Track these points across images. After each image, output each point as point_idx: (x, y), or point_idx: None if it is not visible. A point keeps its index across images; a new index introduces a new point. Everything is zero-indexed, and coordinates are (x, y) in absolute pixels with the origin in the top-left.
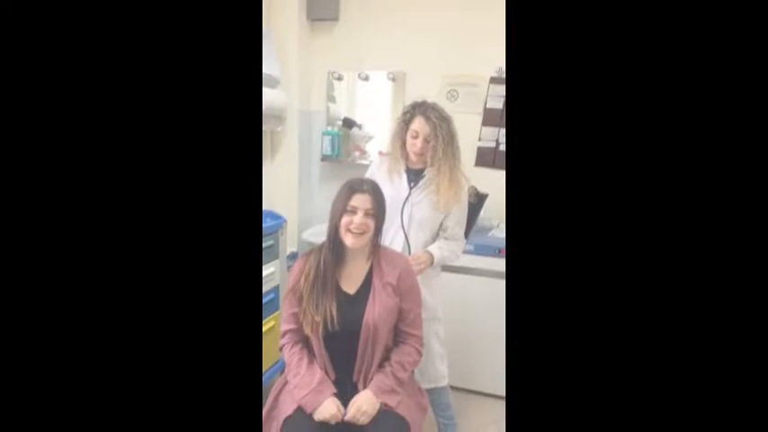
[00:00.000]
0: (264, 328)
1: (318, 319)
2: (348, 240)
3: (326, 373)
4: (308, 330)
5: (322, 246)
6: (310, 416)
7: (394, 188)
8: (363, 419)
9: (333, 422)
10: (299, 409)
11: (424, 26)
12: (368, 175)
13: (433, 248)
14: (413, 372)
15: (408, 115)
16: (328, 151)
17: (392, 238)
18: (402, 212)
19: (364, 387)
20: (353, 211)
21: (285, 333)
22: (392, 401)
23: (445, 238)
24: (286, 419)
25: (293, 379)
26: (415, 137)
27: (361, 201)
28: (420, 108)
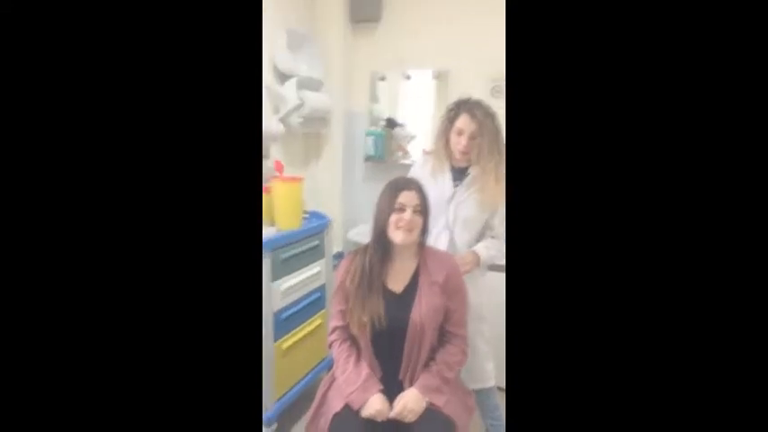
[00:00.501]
0: (311, 327)
1: (365, 319)
2: (398, 237)
3: (373, 370)
4: (354, 330)
5: (368, 245)
6: (357, 413)
7: (438, 187)
8: (410, 417)
9: (379, 418)
10: (347, 406)
11: (466, 24)
12: (411, 174)
13: (480, 248)
14: (459, 372)
15: (453, 113)
16: (372, 152)
17: (436, 238)
18: (448, 211)
19: (410, 386)
20: (402, 209)
21: (334, 330)
22: (438, 401)
23: (492, 237)
24: (334, 416)
25: (341, 376)
26: (460, 134)
27: (408, 198)
28: (465, 105)
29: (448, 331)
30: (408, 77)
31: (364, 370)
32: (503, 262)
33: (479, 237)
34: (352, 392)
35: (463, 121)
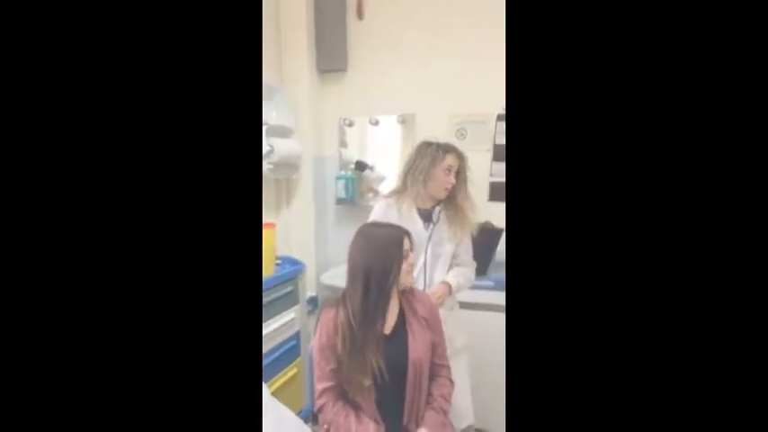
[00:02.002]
0: (286, 377)
1: (369, 382)
2: (410, 280)
3: (377, 423)
4: (356, 396)
5: (348, 295)
6: None
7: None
8: None
9: None
10: None
11: (430, 69)
12: (373, 218)
13: (449, 278)
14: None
15: (441, 152)
16: (343, 194)
17: (416, 279)
18: (427, 251)
19: (416, 428)
20: (406, 255)
21: (323, 392)
22: None
23: (457, 265)
24: None
25: None
26: (449, 172)
27: (407, 243)
28: (444, 146)
29: (435, 364)
30: (376, 123)
31: (371, 425)
32: (468, 286)
33: (449, 269)
34: None
35: (452, 159)
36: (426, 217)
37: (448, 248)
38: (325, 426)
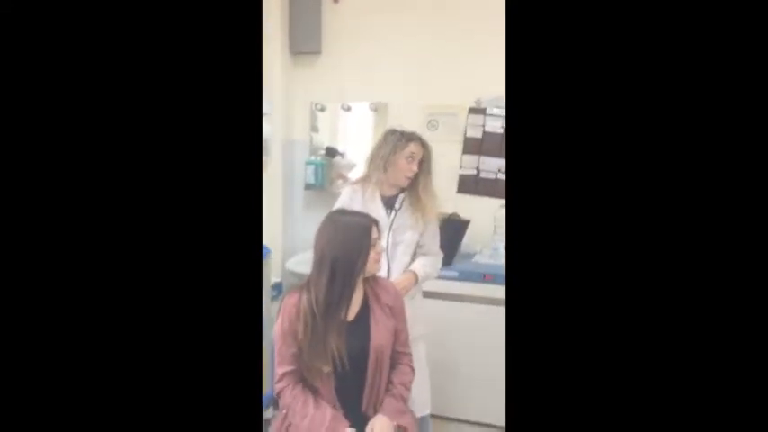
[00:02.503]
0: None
1: (328, 368)
2: (376, 268)
3: (335, 408)
4: (315, 382)
5: (312, 281)
6: None
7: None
8: None
9: None
10: None
11: (405, 58)
12: (339, 205)
13: (416, 267)
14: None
15: (403, 140)
16: (312, 180)
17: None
18: (388, 238)
19: (374, 414)
20: (374, 243)
21: (283, 376)
22: (405, 421)
23: (423, 254)
24: None
25: (302, 421)
26: (412, 160)
27: (375, 231)
28: (408, 134)
29: (397, 351)
30: (348, 109)
31: (327, 410)
32: (435, 276)
33: (413, 257)
34: None
35: (415, 147)
36: (389, 204)
37: (409, 236)
38: (284, 410)
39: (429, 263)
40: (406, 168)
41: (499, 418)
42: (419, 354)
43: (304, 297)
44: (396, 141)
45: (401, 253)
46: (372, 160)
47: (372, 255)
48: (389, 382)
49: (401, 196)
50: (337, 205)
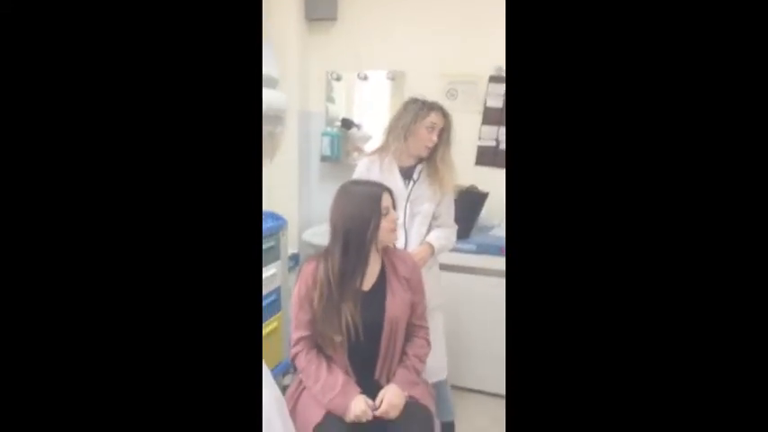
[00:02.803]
0: (266, 330)
1: (339, 338)
2: (393, 237)
3: (348, 375)
4: (328, 349)
5: (330, 250)
6: (339, 419)
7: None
8: (394, 413)
9: (364, 419)
10: (328, 415)
11: (423, 25)
12: (356, 176)
13: (431, 239)
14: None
15: (425, 109)
16: (327, 152)
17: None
18: (405, 209)
19: (387, 383)
20: (387, 212)
21: (299, 341)
22: (416, 392)
23: (438, 227)
24: (315, 427)
25: (315, 385)
26: (432, 130)
27: (388, 200)
28: (429, 104)
29: (413, 324)
30: (365, 78)
31: (340, 375)
32: (450, 248)
33: (429, 229)
34: (332, 399)
35: (436, 117)
36: (407, 175)
37: (426, 207)
38: (299, 374)
39: (444, 235)
40: (426, 138)
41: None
42: (436, 322)
43: (321, 266)
44: (417, 110)
45: (418, 224)
46: (392, 129)
47: (385, 224)
48: (404, 353)
49: (419, 167)
50: (355, 176)
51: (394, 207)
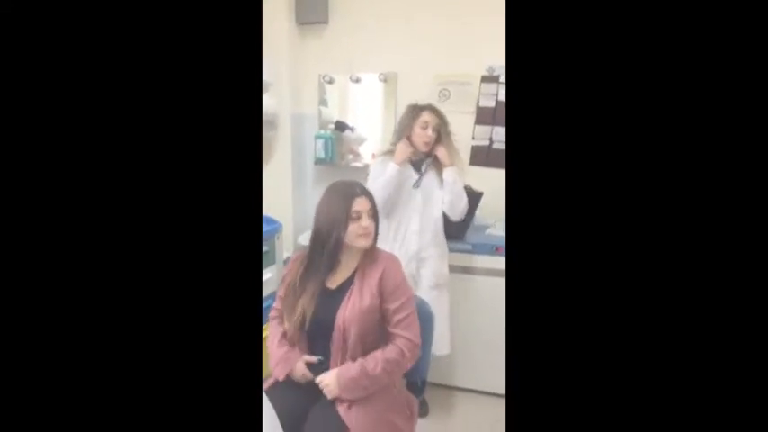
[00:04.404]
0: (265, 334)
1: (290, 327)
2: (362, 243)
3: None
4: (289, 332)
5: (313, 251)
6: (286, 384)
7: (404, 178)
8: (326, 390)
9: (304, 381)
10: (276, 381)
11: (414, 27)
12: (373, 175)
13: (444, 206)
14: (395, 374)
15: (416, 110)
16: (321, 154)
17: (409, 218)
18: (416, 195)
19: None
20: (358, 217)
21: (273, 310)
22: (350, 393)
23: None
24: (266, 390)
25: (270, 351)
26: (425, 127)
27: (362, 204)
28: (420, 105)
29: (390, 333)
30: (357, 80)
31: (284, 346)
32: (461, 206)
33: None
34: (276, 365)
35: (428, 116)
36: (417, 167)
37: (436, 194)
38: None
39: (448, 199)
40: (422, 134)
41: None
42: (442, 298)
43: (303, 258)
44: (412, 112)
45: (429, 207)
46: (397, 132)
47: (354, 228)
48: (372, 354)
49: (427, 160)
50: (371, 175)
51: (372, 214)
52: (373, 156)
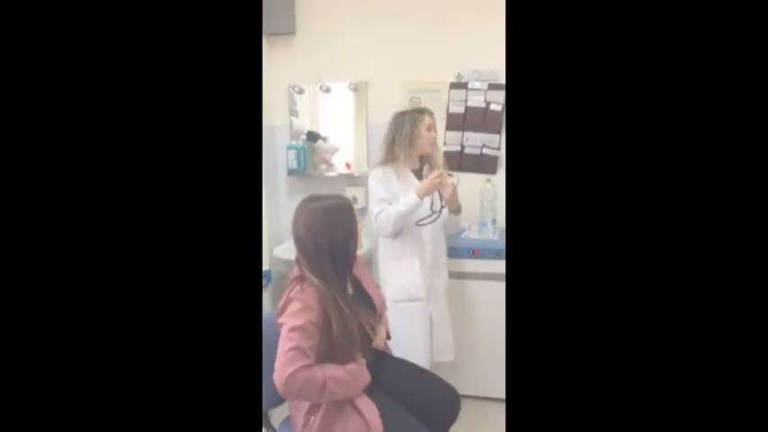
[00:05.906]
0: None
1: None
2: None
3: None
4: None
5: (320, 269)
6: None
7: (409, 184)
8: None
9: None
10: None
11: (382, 35)
12: (373, 188)
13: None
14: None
15: (417, 114)
16: (294, 165)
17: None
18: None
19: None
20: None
21: (301, 368)
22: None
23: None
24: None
25: (343, 387)
26: (430, 129)
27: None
28: (419, 109)
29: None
30: (327, 90)
31: (345, 369)
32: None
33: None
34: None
35: (430, 118)
36: (419, 175)
37: (437, 194)
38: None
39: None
40: (428, 136)
41: (482, 390)
42: (443, 306)
43: (324, 290)
44: (412, 118)
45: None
46: (396, 141)
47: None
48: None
49: (426, 166)
50: (371, 189)
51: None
52: (348, 165)
